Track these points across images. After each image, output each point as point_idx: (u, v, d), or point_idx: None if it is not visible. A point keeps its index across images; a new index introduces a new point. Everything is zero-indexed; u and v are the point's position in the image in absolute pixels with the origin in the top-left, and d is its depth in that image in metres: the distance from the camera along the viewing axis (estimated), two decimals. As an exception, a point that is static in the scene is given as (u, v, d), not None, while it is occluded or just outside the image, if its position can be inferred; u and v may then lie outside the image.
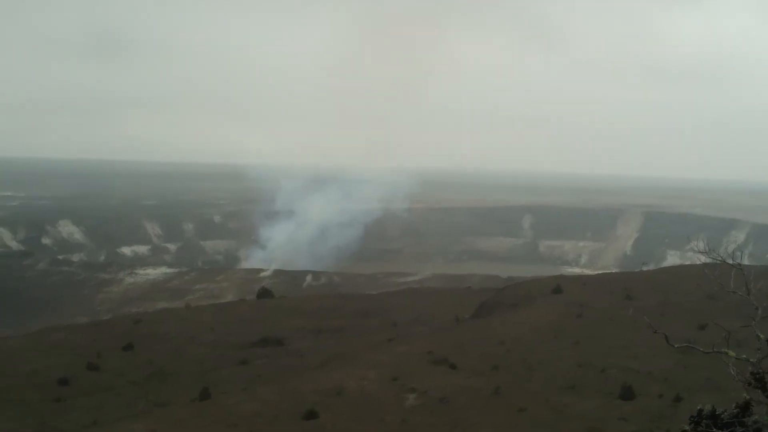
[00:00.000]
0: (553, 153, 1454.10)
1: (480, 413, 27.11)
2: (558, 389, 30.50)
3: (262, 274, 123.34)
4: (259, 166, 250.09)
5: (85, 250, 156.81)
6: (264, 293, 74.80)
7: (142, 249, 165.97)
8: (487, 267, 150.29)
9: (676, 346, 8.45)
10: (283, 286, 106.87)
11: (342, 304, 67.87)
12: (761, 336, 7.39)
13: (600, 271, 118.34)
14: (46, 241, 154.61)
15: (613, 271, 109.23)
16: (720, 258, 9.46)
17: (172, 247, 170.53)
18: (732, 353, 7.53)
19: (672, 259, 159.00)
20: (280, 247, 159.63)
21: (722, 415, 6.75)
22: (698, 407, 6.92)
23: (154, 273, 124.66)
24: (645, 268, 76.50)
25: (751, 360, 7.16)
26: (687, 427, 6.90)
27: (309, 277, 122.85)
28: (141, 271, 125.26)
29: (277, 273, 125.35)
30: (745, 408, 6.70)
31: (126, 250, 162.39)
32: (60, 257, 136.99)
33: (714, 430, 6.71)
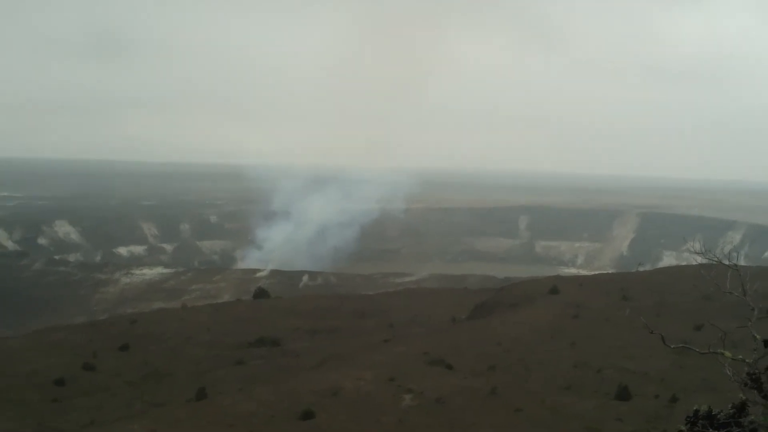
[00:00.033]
0: (553, 153, 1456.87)
1: (477, 413, 27.11)
2: (555, 389, 30.53)
3: (259, 275, 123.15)
4: (259, 167, 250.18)
5: (82, 250, 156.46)
6: (260, 293, 74.71)
7: (139, 249, 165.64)
8: (485, 267, 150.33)
9: (672, 346, 8.45)
10: (279, 286, 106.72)
11: (339, 305, 67.83)
12: (757, 337, 7.40)
13: (596, 272, 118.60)
14: (42, 241, 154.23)
15: (610, 272, 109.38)
16: (716, 259, 9.46)
17: (168, 247, 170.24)
18: (728, 354, 7.53)
19: (668, 259, 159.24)
20: (277, 247, 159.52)
21: (718, 416, 6.75)
22: (694, 408, 6.92)
23: (150, 273, 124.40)
24: (641, 269, 76.63)
25: (747, 361, 7.17)
26: (683, 428, 6.90)
27: (305, 278, 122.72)
28: (137, 272, 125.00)
29: (274, 273, 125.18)
30: (742, 408, 6.71)
31: (122, 251, 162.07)
32: (56, 257, 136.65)
33: (710, 430, 6.72)
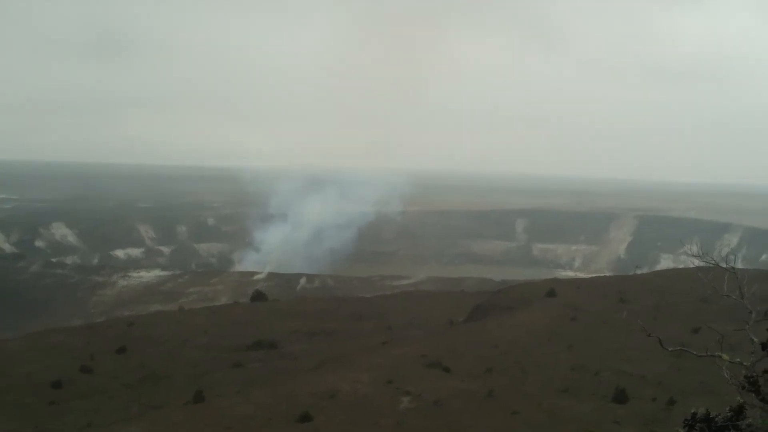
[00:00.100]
0: (552, 153, 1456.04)
1: (474, 416, 27.11)
2: (552, 392, 30.55)
3: (256, 277, 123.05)
4: (257, 169, 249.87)
5: (79, 252, 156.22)
6: (258, 296, 74.60)
7: (136, 252, 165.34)
8: (482, 270, 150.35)
9: (669, 349, 8.46)
10: (276, 289, 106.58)
11: (336, 307, 67.80)
12: (755, 339, 7.41)
13: (593, 275, 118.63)
14: (39, 243, 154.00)
15: (607, 275, 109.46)
16: (713, 262, 9.49)
17: (165, 249, 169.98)
18: (726, 357, 7.54)
19: (665, 262, 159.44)
20: (275, 249, 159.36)
21: (716, 419, 6.76)
22: (692, 410, 6.93)
23: (147, 276, 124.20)
24: (638, 272, 76.72)
25: (744, 363, 7.18)
26: (681, 431, 6.91)
27: (303, 280, 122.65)
28: (134, 274, 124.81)
29: (271, 276, 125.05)
30: (739, 411, 6.72)
31: (119, 253, 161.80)
32: (53, 260, 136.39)
33: (708, 433, 6.72)
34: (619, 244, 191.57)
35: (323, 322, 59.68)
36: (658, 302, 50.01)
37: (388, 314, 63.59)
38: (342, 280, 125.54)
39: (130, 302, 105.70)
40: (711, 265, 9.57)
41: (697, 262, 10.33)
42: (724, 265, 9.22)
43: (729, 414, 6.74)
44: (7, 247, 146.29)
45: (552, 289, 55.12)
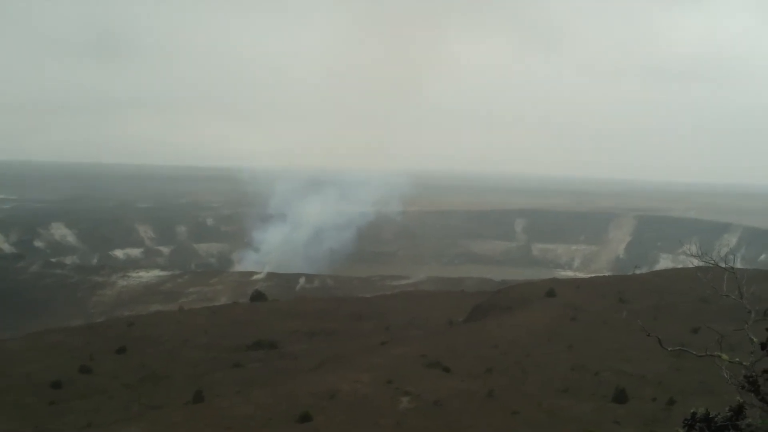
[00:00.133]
0: (552, 154, 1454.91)
1: (474, 416, 27.13)
2: (552, 392, 30.57)
3: (255, 277, 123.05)
4: (256, 169, 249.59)
5: (78, 252, 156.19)
6: (257, 296, 74.63)
7: (135, 252, 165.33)
8: (482, 270, 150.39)
9: (669, 349, 8.49)
10: (276, 289, 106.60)
11: (336, 307, 67.81)
12: (754, 339, 7.44)
13: (593, 275, 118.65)
14: (38, 243, 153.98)
15: (607, 275, 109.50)
16: (713, 262, 9.51)
17: (165, 249, 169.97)
18: (725, 356, 7.57)
19: (665, 262, 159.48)
20: (274, 249, 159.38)
21: (716, 419, 6.78)
22: (692, 410, 6.95)
23: (147, 276, 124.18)
24: (638, 272, 76.76)
25: (744, 363, 7.20)
26: (680, 431, 6.93)
27: (302, 280, 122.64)
28: (134, 274, 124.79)
29: (271, 276, 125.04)
30: (739, 411, 6.74)
31: (119, 253, 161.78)
32: (53, 260, 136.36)
33: (707, 433, 6.74)
34: (618, 244, 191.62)
35: (323, 322, 59.69)
36: (657, 302, 50.04)
37: (388, 314, 63.60)
38: (342, 280, 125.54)
39: (129, 302, 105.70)
40: (710, 265, 9.60)
41: (696, 262, 10.37)
42: (723, 265, 9.25)
43: (729, 414, 6.76)
44: (7, 248, 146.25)
45: (552, 289, 55.13)
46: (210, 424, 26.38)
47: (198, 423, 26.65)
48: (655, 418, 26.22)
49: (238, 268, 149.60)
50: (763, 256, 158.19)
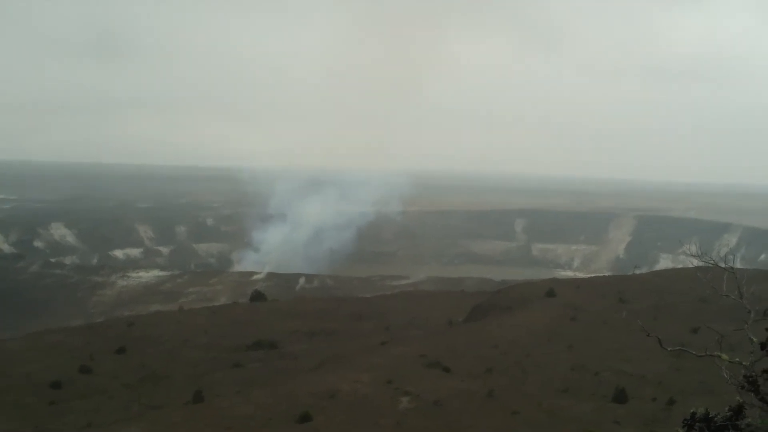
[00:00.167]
0: (552, 154, 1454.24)
1: (474, 416, 27.14)
2: (552, 392, 30.58)
3: (255, 277, 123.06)
4: (256, 169, 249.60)
5: (78, 252, 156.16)
6: (257, 296, 74.63)
7: (135, 252, 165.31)
8: (482, 270, 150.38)
9: (669, 349, 8.49)
10: (276, 289, 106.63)
11: (336, 307, 67.82)
12: (754, 339, 7.44)
13: (593, 275, 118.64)
14: (38, 243, 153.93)
15: (607, 275, 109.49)
16: (712, 262, 9.52)
17: (164, 250, 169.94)
18: (725, 356, 7.57)
19: (664, 262, 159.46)
20: (274, 249, 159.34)
21: (715, 419, 6.78)
22: (691, 410, 6.95)
23: (146, 276, 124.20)
24: (638, 272, 76.77)
25: (744, 363, 7.21)
26: (680, 430, 6.93)
27: (302, 280, 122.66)
28: (134, 274, 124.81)
29: (270, 276, 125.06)
30: (738, 411, 6.74)
31: (118, 253, 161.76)
32: (52, 260, 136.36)
33: (707, 433, 6.75)
34: (618, 244, 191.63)
35: (323, 322, 59.70)
36: (657, 302, 50.05)
37: (388, 314, 63.61)
38: (341, 280, 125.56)
39: (129, 302, 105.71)
40: (710, 265, 9.60)
41: (696, 262, 10.37)
42: (723, 265, 9.25)
43: (728, 414, 6.77)
44: (6, 248, 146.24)
45: (551, 289, 55.14)
46: (210, 424, 26.38)
47: (198, 423, 26.65)
48: (655, 418, 26.23)
49: (238, 268, 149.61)
50: (763, 256, 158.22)
